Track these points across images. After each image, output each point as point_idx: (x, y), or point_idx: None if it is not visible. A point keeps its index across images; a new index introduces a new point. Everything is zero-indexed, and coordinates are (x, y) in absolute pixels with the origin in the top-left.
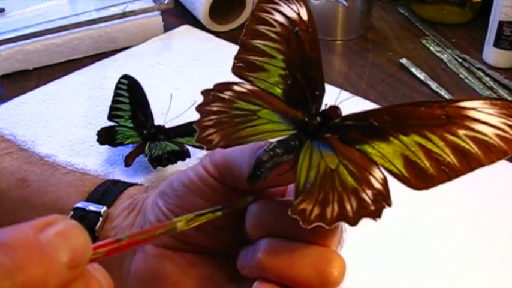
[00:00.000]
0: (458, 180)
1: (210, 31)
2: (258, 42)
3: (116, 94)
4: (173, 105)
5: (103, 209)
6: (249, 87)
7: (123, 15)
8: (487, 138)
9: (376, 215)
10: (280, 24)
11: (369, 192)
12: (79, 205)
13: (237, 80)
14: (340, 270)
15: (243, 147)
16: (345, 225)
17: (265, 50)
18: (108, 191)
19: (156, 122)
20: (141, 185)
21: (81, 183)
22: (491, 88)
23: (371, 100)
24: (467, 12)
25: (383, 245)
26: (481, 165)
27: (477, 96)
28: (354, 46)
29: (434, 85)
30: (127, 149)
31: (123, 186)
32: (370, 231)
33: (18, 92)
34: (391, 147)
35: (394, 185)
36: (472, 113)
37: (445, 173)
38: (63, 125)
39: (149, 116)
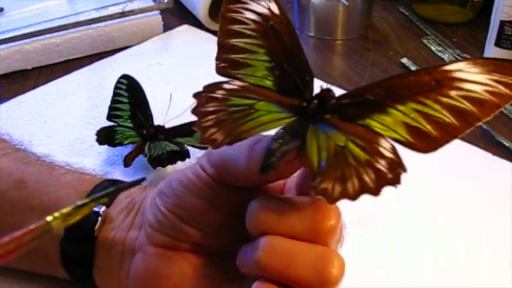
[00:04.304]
0: (458, 179)
1: (210, 31)
2: (236, 41)
3: (115, 94)
4: (173, 105)
5: (102, 209)
6: (239, 83)
7: (123, 14)
8: (478, 95)
9: (395, 181)
10: (254, 21)
11: (383, 162)
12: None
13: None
14: (339, 269)
15: (239, 144)
16: (345, 223)
17: (245, 47)
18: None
19: (156, 122)
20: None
21: (80, 183)
22: None
23: None
24: (468, 12)
25: (382, 247)
26: (479, 120)
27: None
28: (354, 45)
29: None
30: (126, 149)
31: (121, 185)
32: (370, 231)
33: (17, 91)
34: (391, 117)
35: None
36: (458, 74)
37: (447, 133)
38: (63, 125)
39: (149, 116)
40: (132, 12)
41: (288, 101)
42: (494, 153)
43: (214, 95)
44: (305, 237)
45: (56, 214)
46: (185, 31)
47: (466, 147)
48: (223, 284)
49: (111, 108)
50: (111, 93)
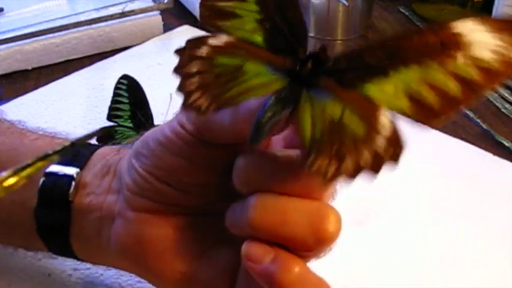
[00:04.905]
0: (458, 179)
1: (210, 31)
2: None
3: (115, 94)
4: (173, 105)
5: (75, 170)
6: (226, 39)
7: (123, 14)
8: (484, 63)
9: (394, 160)
10: None
11: (381, 138)
12: (50, 169)
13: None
14: (336, 225)
15: None
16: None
17: None
18: (79, 153)
19: (156, 122)
20: None
21: (51, 147)
22: None
23: None
24: (468, 12)
25: (380, 247)
26: (483, 89)
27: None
28: (354, 46)
29: None
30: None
31: (93, 147)
32: (370, 231)
33: (17, 91)
34: (393, 85)
35: (394, 181)
36: (465, 36)
37: (450, 106)
38: (63, 125)
39: (149, 116)
40: (132, 13)
41: (279, 61)
42: (494, 153)
43: (198, 53)
44: (298, 193)
45: None
46: (185, 31)
47: (466, 147)
48: (211, 246)
49: (111, 108)
50: (111, 94)
